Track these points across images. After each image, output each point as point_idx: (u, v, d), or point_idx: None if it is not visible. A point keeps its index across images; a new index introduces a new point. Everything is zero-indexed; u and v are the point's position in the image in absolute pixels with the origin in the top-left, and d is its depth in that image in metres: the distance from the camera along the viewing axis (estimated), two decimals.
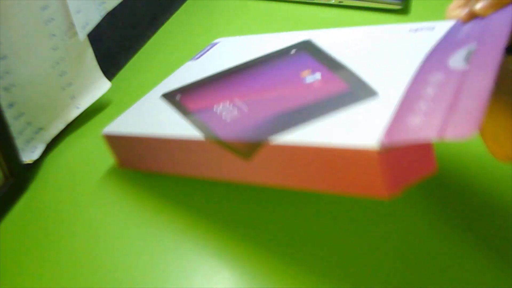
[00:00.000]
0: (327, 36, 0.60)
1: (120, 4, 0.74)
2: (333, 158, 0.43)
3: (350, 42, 0.57)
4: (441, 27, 0.52)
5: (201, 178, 0.56)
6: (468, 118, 0.37)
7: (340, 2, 0.89)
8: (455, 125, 0.37)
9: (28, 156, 0.62)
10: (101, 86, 0.70)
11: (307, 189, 0.47)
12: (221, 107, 0.54)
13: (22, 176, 0.60)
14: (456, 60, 0.44)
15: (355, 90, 0.46)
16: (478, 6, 0.51)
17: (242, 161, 0.50)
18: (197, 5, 0.91)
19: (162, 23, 0.88)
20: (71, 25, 0.63)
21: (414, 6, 0.88)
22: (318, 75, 0.51)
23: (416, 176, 0.43)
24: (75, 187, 0.60)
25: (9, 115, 0.58)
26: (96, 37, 0.70)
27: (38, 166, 0.63)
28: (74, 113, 0.67)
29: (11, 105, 0.59)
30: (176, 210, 0.57)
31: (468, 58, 0.43)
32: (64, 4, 0.61)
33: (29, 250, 0.54)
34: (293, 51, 0.59)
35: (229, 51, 0.65)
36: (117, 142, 0.60)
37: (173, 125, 0.55)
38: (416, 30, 0.54)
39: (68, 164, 0.64)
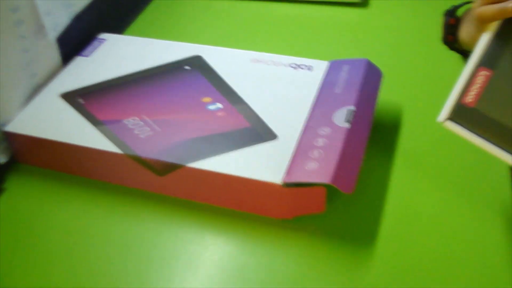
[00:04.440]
0: (215, 55, 0.69)
1: (86, 7, 0.75)
2: (244, 186, 0.54)
3: (238, 66, 0.67)
4: (317, 68, 0.66)
5: (111, 183, 0.60)
6: (351, 178, 0.52)
7: None
8: (343, 178, 0.51)
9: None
10: None
11: (214, 205, 0.57)
12: (131, 122, 0.60)
13: None
14: (339, 119, 0.58)
15: (258, 131, 0.58)
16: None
17: (155, 177, 0.57)
18: (162, 7, 0.92)
19: (128, 25, 0.88)
20: (41, 27, 0.64)
21: None
22: (219, 105, 0.62)
23: (306, 211, 0.55)
24: (53, 184, 0.61)
25: None
26: (64, 39, 0.70)
27: (14, 167, 0.63)
28: None
29: None
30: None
31: (349, 120, 0.57)
32: (34, 6, 0.62)
33: (12, 248, 0.54)
34: (187, 67, 0.68)
35: (121, 53, 0.71)
36: (21, 141, 0.61)
37: (86, 135, 0.59)
38: (296, 67, 0.67)
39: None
